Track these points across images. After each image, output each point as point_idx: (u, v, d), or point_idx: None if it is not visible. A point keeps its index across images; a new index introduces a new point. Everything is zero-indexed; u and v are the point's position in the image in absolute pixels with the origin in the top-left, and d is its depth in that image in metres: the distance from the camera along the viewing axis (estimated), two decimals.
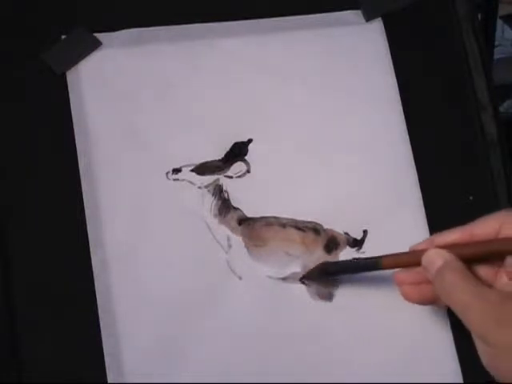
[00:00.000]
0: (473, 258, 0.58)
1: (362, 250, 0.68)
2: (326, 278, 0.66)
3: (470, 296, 0.54)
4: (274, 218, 0.68)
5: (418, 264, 0.59)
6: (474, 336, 0.55)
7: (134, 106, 0.68)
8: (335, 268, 0.66)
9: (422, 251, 0.59)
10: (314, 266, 0.66)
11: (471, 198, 0.72)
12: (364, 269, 0.64)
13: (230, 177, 0.68)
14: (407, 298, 0.61)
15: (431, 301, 0.60)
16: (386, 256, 0.61)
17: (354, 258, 0.66)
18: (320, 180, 0.70)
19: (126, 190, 0.66)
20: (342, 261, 0.66)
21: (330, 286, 0.66)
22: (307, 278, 0.66)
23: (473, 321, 0.54)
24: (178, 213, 0.67)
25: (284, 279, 0.67)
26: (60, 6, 0.69)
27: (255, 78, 0.71)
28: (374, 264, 0.62)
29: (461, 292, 0.55)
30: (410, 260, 0.60)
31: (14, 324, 0.62)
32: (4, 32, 0.67)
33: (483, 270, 0.58)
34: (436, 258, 0.57)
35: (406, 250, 0.68)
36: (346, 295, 0.67)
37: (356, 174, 0.70)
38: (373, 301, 0.67)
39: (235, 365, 0.64)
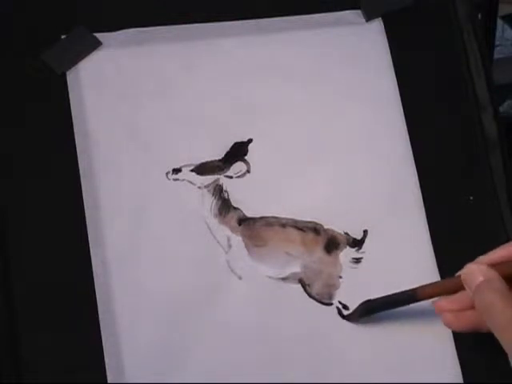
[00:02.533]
0: None
1: (361, 250, 0.68)
2: (367, 315, 0.65)
3: (508, 318, 0.53)
4: (274, 218, 0.68)
5: (455, 291, 0.58)
6: (510, 358, 0.54)
7: (134, 106, 0.68)
8: (376, 305, 0.64)
9: (457, 278, 0.58)
10: (354, 309, 0.65)
11: (471, 198, 0.72)
12: (403, 302, 0.62)
13: (230, 177, 0.68)
14: (450, 325, 0.59)
15: (474, 326, 0.59)
16: (422, 287, 0.60)
17: (392, 294, 0.64)
18: (320, 180, 0.70)
19: (126, 190, 0.66)
20: (381, 298, 0.64)
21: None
22: (349, 319, 0.65)
23: (510, 343, 0.53)
24: (177, 213, 0.67)
25: (284, 279, 0.67)
26: (60, 5, 0.69)
27: (255, 78, 0.71)
28: (411, 296, 0.61)
29: (500, 313, 0.54)
30: (447, 288, 0.59)
31: (14, 324, 0.62)
32: (4, 32, 0.67)
33: None
34: (476, 274, 0.56)
35: (406, 249, 0.68)
36: (347, 296, 0.67)
37: (356, 174, 0.70)
38: None
39: (235, 365, 0.64)
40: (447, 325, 0.59)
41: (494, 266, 0.56)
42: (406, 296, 0.62)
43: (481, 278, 0.55)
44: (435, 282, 0.60)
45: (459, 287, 0.58)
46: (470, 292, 0.56)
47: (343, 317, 0.66)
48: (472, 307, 0.57)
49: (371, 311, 0.65)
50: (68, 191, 0.65)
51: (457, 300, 0.59)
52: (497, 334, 0.54)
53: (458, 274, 0.59)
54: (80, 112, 0.67)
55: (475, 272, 0.56)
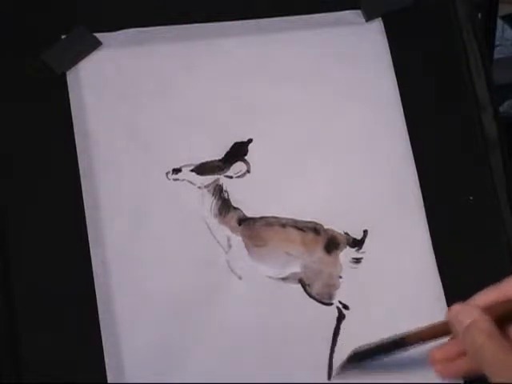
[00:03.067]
0: (506, 315, 0.55)
1: (361, 250, 0.68)
2: (357, 365, 0.64)
3: (499, 360, 0.52)
4: (274, 218, 0.68)
5: (444, 334, 0.57)
6: None
7: (134, 106, 0.68)
8: (365, 354, 0.63)
9: (445, 322, 0.57)
10: (343, 362, 0.64)
11: (471, 198, 0.72)
12: (391, 349, 0.61)
13: (230, 177, 0.68)
14: (443, 375, 0.58)
15: (466, 373, 0.58)
16: (411, 332, 0.60)
17: (380, 342, 0.63)
18: (320, 180, 0.70)
19: (126, 190, 0.66)
20: (370, 346, 0.63)
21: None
22: (340, 371, 0.65)
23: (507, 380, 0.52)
24: (177, 213, 0.67)
25: (284, 279, 0.67)
26: (60, 5, 0.69)
27: (255, 78, 0.71)
28: (399, 342, 0.60)
29: (491, 356, 0.52)
30: (436, 332, 0.58)
31: (14, 324, 0.62)
32: (4, 32, 0.67)
33: None
34: (463, 315, 0.55)
35: (406, 249, 0.68)
36: (347, 296, 0.67)
37: (356, 174, 0.70)
38: (373, 301, 0.67)
39: (235, 365, 0.64)
40: (441, 375, 0.59)
41: (485, 308, 0.55)
42: (395, 342, 0.61)
43: (468, 321, 0.54)
44: (423, 327, 0.59)
45: (448, 331, 0.58)
46: (457, 334, 0.56)
47: (335, 374, 0.65)
48: (463, 354, 0.57)
49: (361, 360, 0.64)
50: (68, 191, 0.65)
51: (448, 350, 0.58)
52: (489, 376, 0.53)
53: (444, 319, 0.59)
54: (80, 112, 0.67)
55: (461, 313, 0.55)
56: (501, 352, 0.53)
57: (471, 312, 0.55)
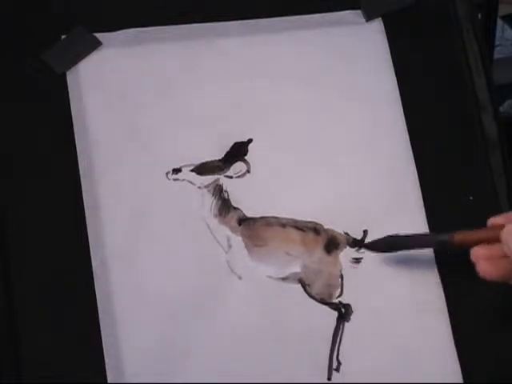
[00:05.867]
0: None
1: (361, 250, 0.68)
2: (390, 251, 0.63)
3: None
4: (274, 218, 0.68)
5: (495, 240, 0.58)
6: None
7: (134, 106, 0.68)
8: (403, 242, 0.63)
9: (500, 226, 0.57)
10: (379, 238, 0.63)
11: (471, 198, 0.72)
12: (432, 245, 0.61)
13: (230, 177, 0.68)
14: (484, 273, 0.59)
15: (508, 276, 0.59)
16: (460, 232, 0.59)
17: (423, 234, 0.62)
18: (320, 180, 0.70)
19: (125, 190, 0.66)
20: (411, 235, 0.62)
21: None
22: (370, 247, 0.63)
23: None
24: (177, 213, 0.67)
25: (284, 279, 0.67)
26: (60, 6, 0.69)
27: (255, 78, 0.71)
28: (445, 241, 0.60)
29: None
30: (486, 236, 0.59)
31: (14, 324, 0.62)
32: (4, 32, 0.67)
33: None
34: None
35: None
36: (347, 296, 0.67)
37: (356, 174, 0.70)
38: (373, 302, 0.67)
39: (235, 365, 0.64)
40: (482, 273, 0.59)
41: None
42: (439, 239, 0.60)
43: None
44: (472, 231, 0.59)
45: (495, 239, 0.58)
46: (509, 251, 0.56)
47: (364, 246, 0.64)
48: (506, 256, 0.57)
49: (396, 248, 0.63)
50: (68, 191, 0.65)
51: (493, 248, 0.59)
52: None
53: (490, 223, 0.59)
54: (80, 112, 0.67)
55: None
56: None
57: None
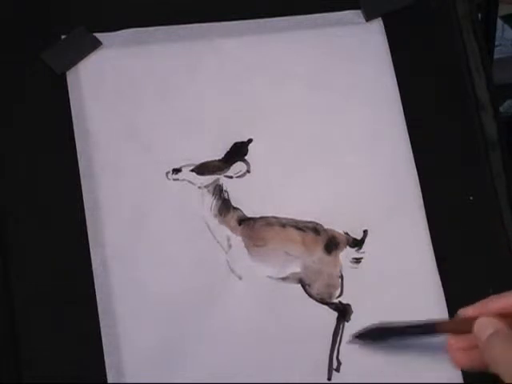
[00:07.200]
0: None
1: (361, 250, 0.68)
2: (377, 341, 0.63)
3: None
4: (274, 218, 0.68)
5: (470, 331, 0.58)
6: None
7: (134, 106, 0.68)
8: (388, 332, 0.63)
9: (472, 318, 0.58)
10: (364, 328, 0.61)
11: (471, 198, 0.72)
12: (418, 333, 0.61)
13: (230, 177, 0.68)
14: (457, 363, 0.59)
15: (480, 366, 0.59)
16: (440, 321, 0.60)
17: (408, 325, 0.62)
18: (320, 180, 0.70)
19: (125, 190, 0.66)
20: (396, 324, 0.62)
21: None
22: (359, 337, 0.64)
23: None
24: (177, 213, 0.67)
25: (284, 279, 0.67)
26: (60, 5, 0.69)
27: (255, 78, 0.71)
28: (428, 328, 0.60)
29: (509, 363, 0.54)
30: (464, 327, 0.59)
31: (14, 324, 0.62)
32: (4, 32, 0.67)
33: None
34: (487, 326, 0.57)
35: (406, 249, 0.68)
36: (347, 296, 0.67)
37: (356, 174, 0.70)
38: (373, 302, 0.68)
39: (235, 365, 0.64)
40: (454, 362, 0.59)
41: (501, 315, 0.57)
42: (422, 327, 0.60)
43: (491, 330, 0.56)
44: (456, 319, 0.60)
45: (469, 330, 0.58)
46: (480, 344, 0.57)
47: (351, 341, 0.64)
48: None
49: (382, 337, 0.63)
50: (68, 191, 0.65)
51: (466, 338, 0.59)
52: (503, 378, 0.54)
53: (461, 314, 0.59)
54: (80, 112, 0.67)
55: (486, 325, 0.57)
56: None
57: (494, 322, 0.56)
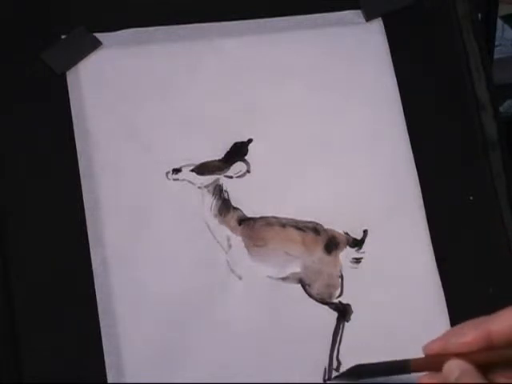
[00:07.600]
0: (491, 363, 0.57)
1: (361, 250, 0.68)
2: (355, 380, 0.63)
3: None
4: (274, 218, 0.68)
5: (440, 369, 0.59)
6: None
7: (134, 106, 0.68)
8: (366, 372, 0.63)
9: (447, 356, 0.58)
10: (344, 372, 0.63)
11: (471, 197, 0.72)
12: (392, 372, 0.61)
13: (230, 177, 0.68)
14: None
15: None
16: (416, 359, 0.60)
17: (382, 362, 0.62)
18: (320, 180, 0.70)
19: (125, 190, 0.66)
20: (372, 364, 0.61)
21: None
22: (340, 378, 0.64)
23: None
24: (177, 213, 0.67)
25: (284, 279, 0.67)
26: (60, 5, 0.69)
27: (255, 78, 0.71)
28: (402, 367, 0.60)
29: None
30: (432, 366, 0.59)
31: (14, 324, 0.62)
32: (4, 32, 0.67)
33: (505, 374, 0.57)
34: (454, 369, 0.57)
35: (406, 249, 0.68)
36: (347, 296, 0.67)
37: (356, 174, 0.70)
38: (373, 302, 0.68)
39: (235, 365, 0.64)
40: None
41: (467, 353, 0.57)
42: (397, 366, 0.61)
43: (457, 372, 0.57)
44: (431, 356, 0.60)
45: (440, 368, 0.59)
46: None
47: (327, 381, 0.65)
48: None
49: (361, 376, 0.63)
50: (68, 191, 0.65)
51: (438, 377, 0.59)
52: None
53: (426, 349, 0.59)
54: (80, 112, 0.67)
55: (453, 367, 0.58)
56: None
57: (461, 364, 0.57)
